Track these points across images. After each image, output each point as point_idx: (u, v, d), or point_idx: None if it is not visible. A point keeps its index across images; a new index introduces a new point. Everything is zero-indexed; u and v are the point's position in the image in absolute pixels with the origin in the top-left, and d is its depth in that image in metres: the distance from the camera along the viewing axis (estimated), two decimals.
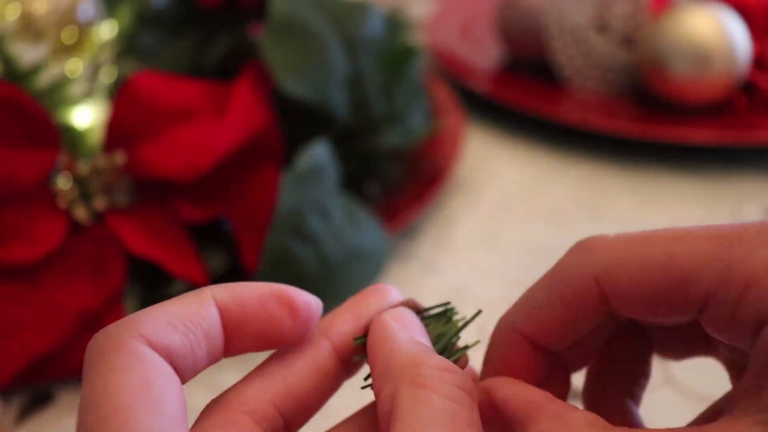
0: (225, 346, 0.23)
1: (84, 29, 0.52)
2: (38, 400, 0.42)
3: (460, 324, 0.25)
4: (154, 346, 0.21)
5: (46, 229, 0.42)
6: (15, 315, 0.41)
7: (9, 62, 0.46)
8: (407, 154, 0.55)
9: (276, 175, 0.45)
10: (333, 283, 0.45)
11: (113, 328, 0.21)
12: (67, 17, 0.52)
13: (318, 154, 0.44)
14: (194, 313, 0.22)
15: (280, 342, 0.24)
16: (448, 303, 0.25)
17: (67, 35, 0.52)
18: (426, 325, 0.25)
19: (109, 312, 0.42)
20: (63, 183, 0.43)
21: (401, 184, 0.54)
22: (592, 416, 0.21)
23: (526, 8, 0.66)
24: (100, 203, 0.43)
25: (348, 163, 0.49)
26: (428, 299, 0.47)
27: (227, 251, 0.46)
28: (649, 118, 0.60)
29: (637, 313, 0.23)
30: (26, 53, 0.48)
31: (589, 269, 0.23)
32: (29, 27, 0.51)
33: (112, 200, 0.44)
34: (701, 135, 0.57)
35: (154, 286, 0.44)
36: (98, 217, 0.44)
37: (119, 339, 0.20)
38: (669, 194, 0.56)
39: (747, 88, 0.62)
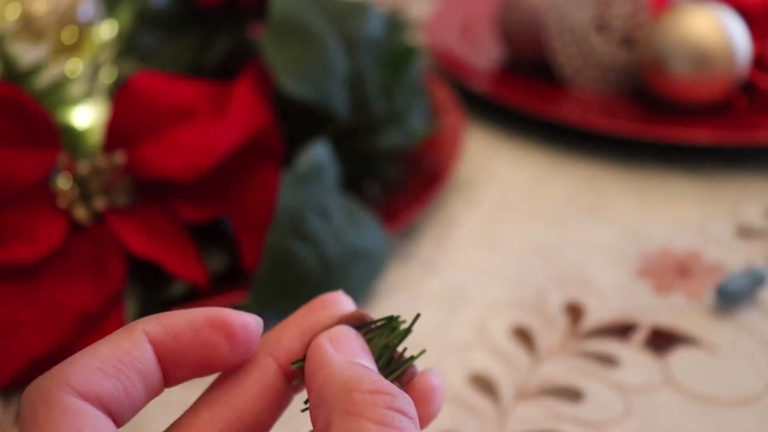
0: (164, 379, 0.23)
1: (84, 29, 0.52)
2: None
3: (402, 333, 0.24)
4: (84, 396, 0.20)
5: (46, 229, 0.42)
6: (15, 315, 0.41)
7: (9, 62, 0.46)
8: (407, 154, 0.55)
9: (276, 175, 0.45)
10: (333, 283, 0.45)
11: (43, 381, 0.21)
12: (67, 17, 0.52)
13: (318, 154, 0.44)
14: (125, 353, 0.21)
15: (220, 367, 0.23)
16: (393, 316, 0.24)
17: (67, 35, 0.52)
18: (370, 339, 0.24)
19: (109, 312, 0.42)
20: (63, 183, 0.43)
21: (401, 184, 0.54)
22: None
23: (526, 8, 0.66)
24: (100, 203, 0.43)
25: (348, 163, 0.49)
26: (428, 299, 0.47)
27: (227, 251, 0.46)
28: (649, 118, 0.60)
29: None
30: (26, 53, 0.48)
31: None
32: (29, 27, 0.51)
33: (112, 200, 0.44)
34: (701, 135, 0.57)
35: (154, 286, 0.44)
36: (98, 217, 0.44)
37: (48, 393, 0.20)
38: (669, 194, 0.56)
39: (747, 88, 0.62)
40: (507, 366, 0.42)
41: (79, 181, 0.43)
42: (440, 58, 0.70)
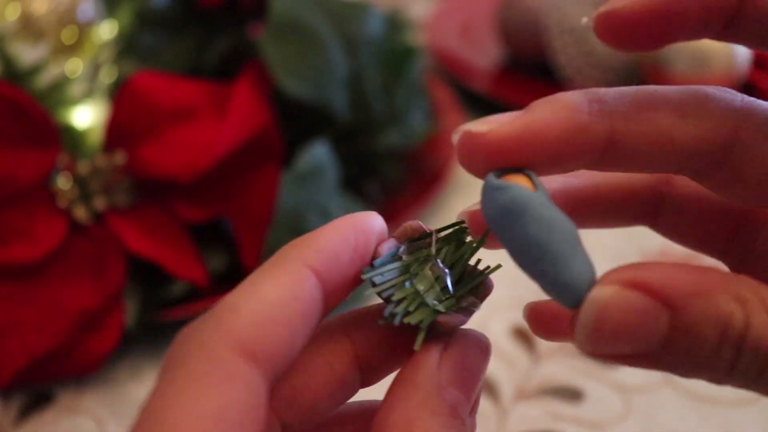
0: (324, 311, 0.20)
1: (84, 29, 0.52)
2: (38, 400, 0.42)
3: (475, 245, 0.22)
4: (249, 355, 0.18)
5: (46, 229, 0.42)
6: (15, 315, 0.41)
7: (9, 62, 0.46)
8: (407, 154, 0.55)
9: (276, 175, 0.45)
10: None
11: (205, 328, 0.18)
12: (67, 17, 0.52)
13: (318, 154, 0.44)
14: (292, 297, 0.19)
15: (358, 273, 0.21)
16: (462, 226, 0.22)
17: (67, 35, 0.52)
18: (438, 249, 0.22)
19: (109, 312, 0.42)
20: (63, 183, 0.43)
21: (401, 184, 0.54)
22: None
23: (526, 8, 0.66)
24: (100, 203, 0.43)
25: (348, 163, 0.49)
26: None
27: (227, 251, 0.46)
28: None
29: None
30: (26, 53, 0.48)
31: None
32: (29, 27, 0.51)
33: (112, 200, 0.44)
34: None
35: (154, 286, 0.44)
36: (98, 217, 0.44)
37: (210, 344, 0.18)
38: None
39: (747, 88, 0.62)
40: (507, 366, 0.42)
41: (79, 181, 0.43)
42: (440, 58, 0.70)
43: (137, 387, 0.42)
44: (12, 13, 0.50)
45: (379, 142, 0.51)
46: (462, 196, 0.57)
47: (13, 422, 0.41)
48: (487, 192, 0.19)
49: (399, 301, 0.20)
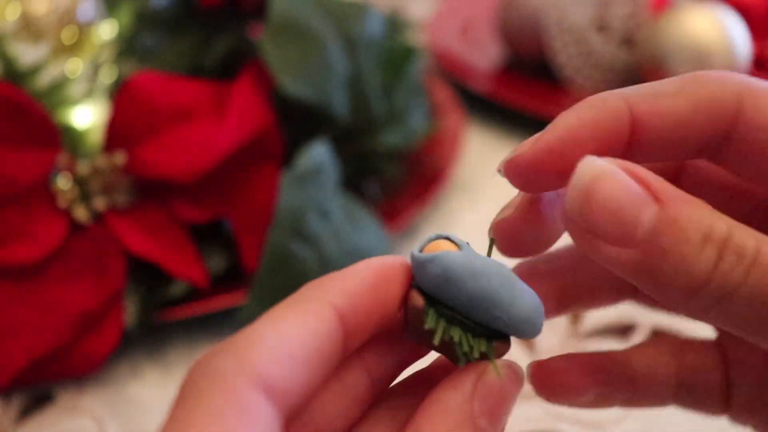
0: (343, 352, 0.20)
1: (84, 29, 0.52)
2: (38, 400, 0.42)
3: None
4: (267, 389, 0.17)
5: (46, 229, 0.42)
6: (15, 315, 0.41)
7: (9, 62, 0.46)
8: (407, 154, 0.55)
9: (276, 175, 0.45)
10: None
11: (222, 359, 0.17)
12: (67, 17, 0.52)
13: (318, 154, 0.44)
14: (314, 336, 0.18)
15: (387, 320, 0.21)
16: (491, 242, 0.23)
17: (67, 35, 0.52)
18: None
19: (109, 312, 0.42)
20: (63, 183, 0.43)
21: (401, 184, 0.54)
22: None
23: (526, 8, 0.66)
24: (100, 203, 0.43)
25: (348, 163, 0.49)
26: None
27: (227, 251, 0.46)
28: None
29: (662, 144, 0.22)
30: (26, 53, 0.48)
31: (619, 94, 0.22)
32: (29, 27, 0.51)
33: (112, 200, 0.44)
34: None
35: (154, 286, 0.44)
36: (98, 217, 0.44)
37: (227, 376, 0.17)
38: None
39: None
40: None
41: (79, 181, 0.43)
42: (440, 58, 0.70)
43: (137, 387, 0.42)
44: (12, 13, 0.50)
45: (379, 142, 0.51)
46: (462, 196, 0.57)
47: (13, 422, 0.41)
48: (418, 267, 0.21)
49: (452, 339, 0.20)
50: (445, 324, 0.20)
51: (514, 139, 0.63)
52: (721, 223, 0.18)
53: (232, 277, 0.45)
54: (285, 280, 0.43)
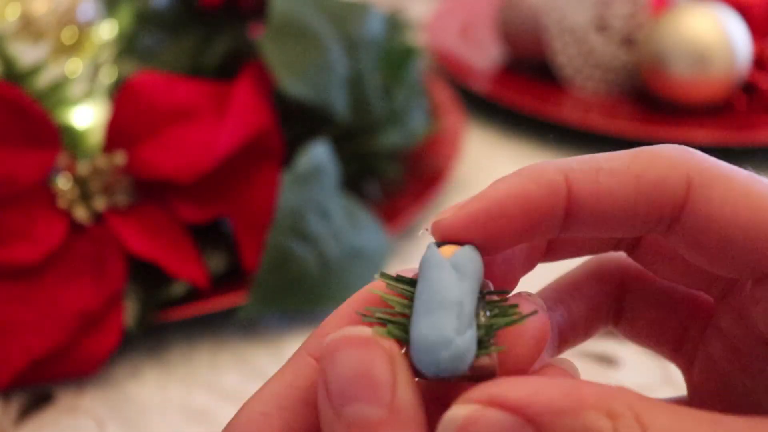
0: None
1: (84, 29, 0.52)
2: (38, 400, 0.42)
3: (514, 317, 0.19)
4: None
5: (46, 229, 0.42)
6: (15, 315, 0.41)
7: (9, 62, 0.46)
8: (407, 154, 0.55)
9: (276, 175, 0.45)
10: (333, 283, 0.45)
11: None
12: (67, 17, 0.52)
13: (318, 154, 0.44)
14: (288, 386, 0.20)
15: None
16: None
17: (67, 35, 0.52)
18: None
19: (109, 312, 0.42)
20: (63, 183, 0.43)
21: (401, 184, 0.54)
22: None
23: (526, 8, 0.66)
24: (100, 203, 0.43)
25: (348, 163, 0.49)
26: None
27: (227, 251, 0.46)
28: (649, 118, 0.60)
29: (602, 223, 0.21)
30: (26, 53, 0.48)
31: (559, 166, 0.20)
32: (29, 27, 0.51)
33: (112, 200, 0.44)
34: (701, 135, 0.57)
35: (154, 286, 0.44)
36: (98, 217, 0.44)
37: None
38: None
39: (747, 88, 0.62)
40: None
41: (79, 181, 0.43)
42: (440, 58, 0.70)
43: (137, 387, 0.42)
44: (12, 13, 0.50)
45: (379, 142, 0.51)
46: (462, 196, 0.57)
47: (13, 422, 0.41)
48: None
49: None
50: None
51: (514, 139, 0.63)
52: (608, 430, 0.17)
53: (232, 277, 0.45)
54: (285, 280, 0.43)
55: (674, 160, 0.20)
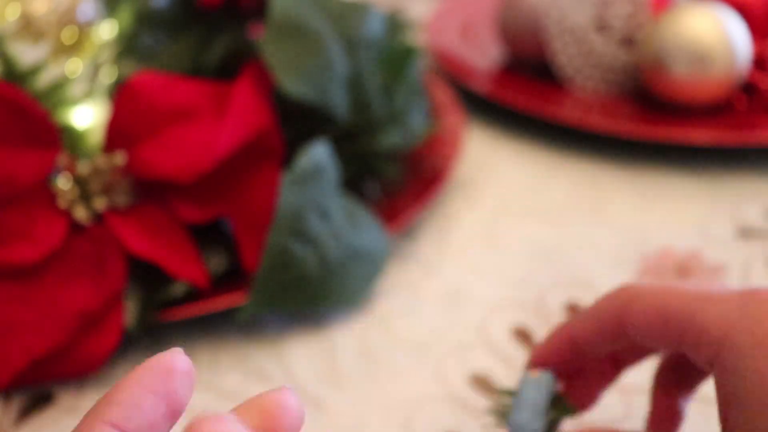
0: None
1: (84, 29, 0.52)
2: (38, 400, 0.42)
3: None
4: None
5: (46, 229, 0.42)
6: (15, 315, 0.41)
7: (9, 62, 0.46)
8: (407, 154, 0.55)
9: (276, 175, 0.45)
10: (333, 283, 0.45)
11: None
12: (67, 17, 0.52)
13: (318, 154, 0.44)
14: None
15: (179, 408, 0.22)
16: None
17: (67, 35, 0.52)
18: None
19: (109, 312, 0.42)
20: (63, 183, 0.43)
21: (401, 184, 0.54)
22: None
23: (526, 8, 0.66)
24: (100, 203, 0.43)
25: (348, 163, 0.49)
26: (428, 299, 0.47)
27: (227, 251, 0.46)
28: (649, 118, 0.60)
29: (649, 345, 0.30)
30: (26, 53, 0.48)
31: (614, 303, 0.30)
32: (29, 27, 0.51)
33: (112, 200, 0.44)
34: (701, 135, 0.57)
35: (154, 286, 0.44)
36: (98, 217, 0.44)
37: None
38: (669, 194, 0.56)
39: (747, 88, 0.62)
40: (507, 366, 0.42)
41: (79, 181, 0.43)
42: (440, 58, 0.70)
43: None
44: (12, 13, 0.50)
45: (379, 142, 0.51)
46: (462, 197, 0.57)
47: (13, 422, 0.41)
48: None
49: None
50: None
51: (514, 139, 0.63)
52: None
53: (232, 277, 0.45)
54: (285, 280, 0.43)
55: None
